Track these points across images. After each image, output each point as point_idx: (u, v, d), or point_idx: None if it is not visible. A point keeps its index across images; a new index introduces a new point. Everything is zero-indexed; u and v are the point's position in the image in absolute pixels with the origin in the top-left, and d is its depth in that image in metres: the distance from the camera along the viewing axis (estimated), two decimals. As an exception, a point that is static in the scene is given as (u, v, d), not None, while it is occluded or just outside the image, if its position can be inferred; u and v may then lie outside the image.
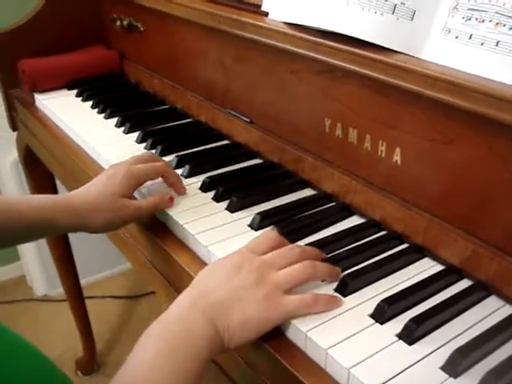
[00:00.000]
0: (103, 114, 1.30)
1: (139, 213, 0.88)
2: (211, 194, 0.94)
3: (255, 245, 0.73)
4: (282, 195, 0.94)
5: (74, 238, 1.81)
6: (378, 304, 0.67)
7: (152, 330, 0.61)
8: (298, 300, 0.67)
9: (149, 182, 0.94)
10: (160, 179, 0.95)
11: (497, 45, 0.67)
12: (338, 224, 0.87)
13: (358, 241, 0.82)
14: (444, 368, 0.60)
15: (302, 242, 0.80)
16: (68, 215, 0.83)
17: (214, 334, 0.62)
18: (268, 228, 0.84)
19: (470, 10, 0.70)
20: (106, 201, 0.85)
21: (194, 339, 0.60)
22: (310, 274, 0.70)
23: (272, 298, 0.65)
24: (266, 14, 0.96)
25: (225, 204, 0.91)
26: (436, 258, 0.78)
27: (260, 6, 0.97)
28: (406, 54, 0.76)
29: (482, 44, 0.68)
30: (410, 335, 0.63)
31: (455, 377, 0.59)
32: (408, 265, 0.77)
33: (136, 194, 0.93)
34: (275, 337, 0.67)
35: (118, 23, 1.47)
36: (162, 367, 0.57)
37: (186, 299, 0.65)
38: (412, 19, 0.75)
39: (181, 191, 0.95)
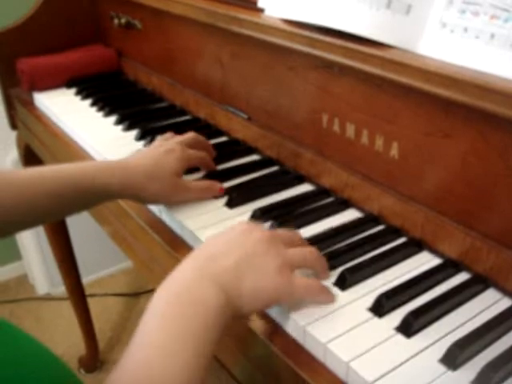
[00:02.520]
0: (102, 112, 1.30)
1: (187, 195, 0.89)
2: (210, 190, 0.95)
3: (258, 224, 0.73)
4: (281, 191, 0.95)
5: (76, 237, 1.82)
6: (377, 298, 0.68)
7: (157, 305, 0.58)
8: (306, 283, 0.66)
9: None
10: None
11: (492, 38, 0.67)
12: (337, 219, 0.87)
13: (357, 235, 0.82)
14: (442, 361, 0.60)
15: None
16: (121, 183, 0.83)
17: (225, 301, 0.59)
18: (267, 223, 0.85)
19: (464, 3, 0.70)
20: (163, 174, 0.86)
21: (205, 311, 0.57)
22: (315, 260, 0.70)
23: (284, 272, 0.63)
24: (262, 11, 0.96)
25: (224, 200, 0.91)
26: (434, 251, 0.78)
27: (256, 3, 0.97)
28: (402, 49, 0.76)
29: (477, 37, 0.68)
30: (408, 328, 0.64)
31: (454, 369, 0.59)
32: (406, 258, 0.77)
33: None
34: (273, 331, 0.67)
35: (116, 21, 1.47)
36: (171, 348, 0.53)
37: (193, 265, 0.62)
38: (407, 14, 0.75)
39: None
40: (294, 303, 0.67)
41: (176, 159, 0.88)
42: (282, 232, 0.71)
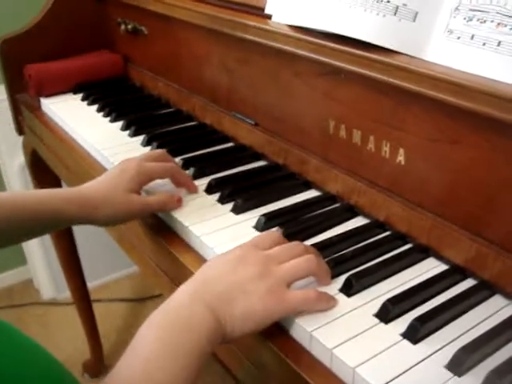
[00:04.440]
0: (108, 118, 1.30)
1: (146, 209, 0.90)
2: (216, 195, 0.95)
3: (258, 240, 0.73)
4: (287, 197, 0.95)
5: (81, 242, 1.82)
6: (383, 304, 0.68)
7: (152, 320, 0.61)
8: (301, 296, 0.67)
9: (158, 182, 0.96)
10: (168, 180, 0.96)
11: (498, 45, 0.67)
12: (343, 225, 0.87)
13: (363, 241, 0.82)
14: (448, 367, 0.60)
15: (306, 243, 0.80)
16: (75, 207, 0.84)
17: (215, 324, 0.62)
18: (273, 229, 0.85)
19: (471, 10, 0.70)
20: (115, 195, 0.86)
21: (194, 329, 0.60)
22: (313, 268, 0.70)
23: (275, 292, 0.65)
24: (270, 17, 0.96)
25: (230, 206, 0.92)
26: (440, 257, 0.78)
27: (263, 9, 0.98)
28: (409, 55, 0.76)
29: (483, 44, 0.68)
30: (414, 334, 0.64)
31: (460, 375, 0.59)
32: (412, 265, 0.77)
33: (143, 194, 0.94)
34: (280, 336, 0.68)
35: (123, 27, 1.47)
36: (162, 357, 0.57)
37: (188, 289, 0.65)
38: (414, 20, 0.75)
39: (192, 189, 0.96)
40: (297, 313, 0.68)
41: (130, 177, 0.88)
42: (278, 249, 0.71)
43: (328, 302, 0.69)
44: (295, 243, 0.73)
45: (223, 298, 0.64)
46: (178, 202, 0.91)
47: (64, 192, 0.86)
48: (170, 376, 0.56)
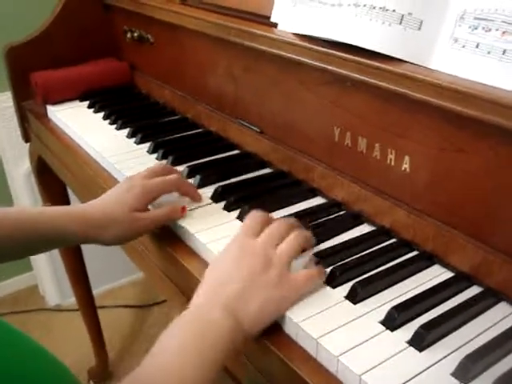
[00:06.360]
0: (115, 125, 1.31)
1: (152, 225, 0.90)
2: (222, 203, 0.95)
3: (248, 227, 0.77)
4: (293, 204, 0.95)
5: (86, 248, 1.82)
6: (389, 311, 0.68)
7: (173, 335, 0.63)
8: (305, 275, 0.72)
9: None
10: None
11: (503, 53, 0.67)
12: (348, 232, 0.87)
13: (368, 248, 0.82)
14: (454, 374, 0.60)
15: (312, 250, 0.81)
16: (81, 227, 0.85)
17: (235, 325, 0.64)
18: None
19: (476, 19, 0.71)
20: (120, 216, 0.87)
21: (215, 333, 0.62)
22: (303, 243, 0.77)
23: (282, 278, 0.70)
24: (275, 26, 0.97)
25: (236, 213, 0.92)
26: (445, 265, 0.78)
27: (269, 18, 0.98)
28: (414, 64, 0.76)
29: (488, 53, 0.69)
30: (420, 342, 0.64)
31: (466, 383, 0.59)
32: (418, 272, 0.77)
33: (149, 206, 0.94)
34: (286, 343, 0.68)
35: (129, 35, 1.48)
36: (192, 367, 0.59)
37: (203, 298, 0.68)
38: (419, 29, 0.76)
39: (196, 199, 0.96)
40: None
41: (135, 197, 0.88)
42: (269, 232, 0.75)
43: (323, 275, 0.75)
44: (278, 221, 0.78)
45: (237, 298, 0.66)
46: (183, 212, 0.91)
47: (69, 212, 0.86)
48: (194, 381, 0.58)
